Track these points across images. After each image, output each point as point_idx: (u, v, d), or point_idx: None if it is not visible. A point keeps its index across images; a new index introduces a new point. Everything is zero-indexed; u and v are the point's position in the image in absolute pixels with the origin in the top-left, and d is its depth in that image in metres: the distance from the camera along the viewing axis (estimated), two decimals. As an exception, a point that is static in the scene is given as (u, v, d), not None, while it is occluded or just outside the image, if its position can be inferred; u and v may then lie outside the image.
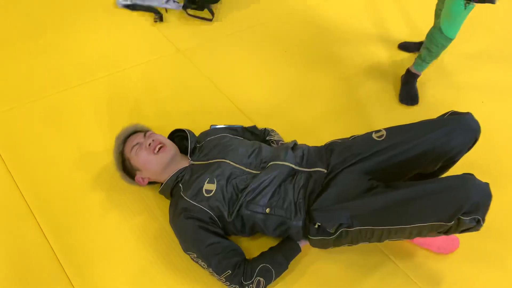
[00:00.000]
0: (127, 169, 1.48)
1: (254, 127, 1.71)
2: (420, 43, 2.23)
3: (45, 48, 2.10)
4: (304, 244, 1.40)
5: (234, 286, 1.29)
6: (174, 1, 2.40)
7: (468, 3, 1.65)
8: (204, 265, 1.31)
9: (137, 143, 1.44)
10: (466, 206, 1.11)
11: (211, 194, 1.34)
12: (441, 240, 1.43)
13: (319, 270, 1.41)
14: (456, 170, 1.36)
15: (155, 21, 2.29)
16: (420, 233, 1.21)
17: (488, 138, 1.82)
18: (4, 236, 1.43)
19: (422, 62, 1.94)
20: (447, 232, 1.19)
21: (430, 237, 1.27)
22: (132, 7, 2.36)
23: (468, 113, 1.37)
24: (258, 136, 1.67)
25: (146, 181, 1.49)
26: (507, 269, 1.46)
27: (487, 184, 1.16)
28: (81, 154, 1.67)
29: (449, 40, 1.82)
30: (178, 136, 1.59)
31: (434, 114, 1.46)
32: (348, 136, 1.50)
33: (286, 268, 1.35)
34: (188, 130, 1.55)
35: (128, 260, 1.40)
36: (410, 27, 2.42)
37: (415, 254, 1.46)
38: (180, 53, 2.15)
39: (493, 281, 1.42)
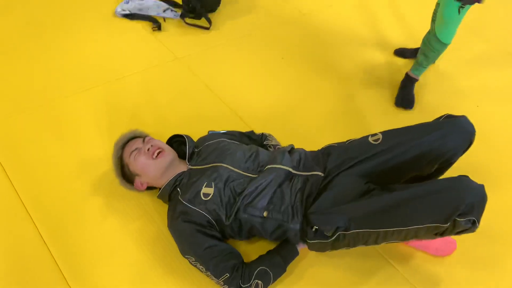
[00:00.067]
0: (126, 175, 1.49)
1: (252, 132, 1.72)
2: (416, 49, 2.25)
3: (45, 56, 2.13)
4: (302, 247, 1.41)
5: (232, 289, 1.29)
6: (172, 10, 2.43)
7: (462, 7, 1.67)
8: (202, 268, 1.32)
9: (135, 149, 1.46)
10: (461, 208, 1.13)
11: (208, 197, 1.35)
12: (438, 242, 1.44)
13: (317, 273, 1.41)
14: (452, 172, 1.37)
15: (154, 30, 2.32)
16: (416, 235, 1.22)
17: (484, 141, 1.85)
18: (3, 241, 1.43)
19: (419, 66, 1.96)
20: (443, 233, 1.19)
21: (427, 239, 1.28)
22: (131, 16, 2.39)
23: (463, 116, 1.39)
24: (256, 141, 1.69)
25: (145, 186, 1.50)
26: (504, 271, 1.46)
27: (482, 186, 1.18)
28: (80, 161, 1.68)
29: (444, 45, 1.84)
30: (177, 142, 1.60)
31: (429, 118, 1.47)
32: (345, 140, 1.52)
33: (284, 271, 1.36)
34: (186, 136, 1.57)
35: (126, 264, 1.40)
36: (406, 33, 2.45)
37: (413, 257, 1.47)
38: (179, 60, 2.17)
39: (490, 283, 1.43)
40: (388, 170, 1.39)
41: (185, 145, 1.54)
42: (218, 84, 2.05)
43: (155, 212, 1.53)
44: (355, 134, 1.54)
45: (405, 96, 2.00)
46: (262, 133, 1.73)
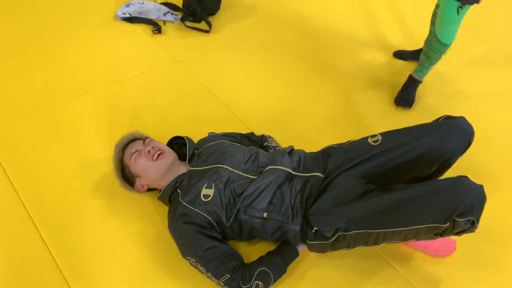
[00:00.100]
0: (127, 176, 1.50)
1: (252, 133, 1.73)
2: (415, 51, 2.27)
3: (45, 60, 2.14)
4: (302, 248, 1.41)
5: (232, 290, 1.29)
6: (172, 14, 2.45)
7: (461, 7, 1.68)
8: (203, 269, 1.32)
9: (136, 150, 1.46)
10: (460, 208, 1.13)
11: (209, 199, 1.36)
12: (438, 243, 1.44)
13: (317, 274, 1.42)
14: (451, 173, 1.37)
15: (154, 33, 2.34)
16: (416, 235, 1.22)
17: (483, 142, 1.86)
18: (3, 242, 1.44)
19: (422, 67, 1.97)
20: (442, 234, 1.20)
21: (426, 239, 1.28)
22: (131, 19, 2.40)
23: (461, 117, 1.40)
24: (256, 142, 1.69)
25: (145, 187, 1.50)
26: (504, 271, 1.46)
27: (481, 186, 1.18)
28: (81, 163, 1.68)
29: (445, 46, 1.84)
30: (177, 143, 1.61)
31: (429, 119, 1.48)
32: (344, 141, 1.52)
33: (285, 271, 1.36)
34: (186, 137, 1.57)
35: (127, 265, 1.40)
36: (405, 35, 2.46)
37: (413, 258, 1.47)
38: (179, 63, 2.18)
39: (490, 283, 1.43)
40: (387, 171, 1.40)
41: (186, 147, 1.54)
42: (218, 87, 2.06)
43: (156, 214, 1.53)
44: (355, 135, 1.54)
45: (405, 96, 2.01)
46: (262, 135, 1.74)
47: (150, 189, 1.54)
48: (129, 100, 1.97)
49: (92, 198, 1.57)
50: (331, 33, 2.46)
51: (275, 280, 1.33)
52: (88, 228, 1.49)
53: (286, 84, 2.12)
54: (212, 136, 1.64)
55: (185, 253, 1.36)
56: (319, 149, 1.54)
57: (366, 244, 1.30)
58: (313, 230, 1.32)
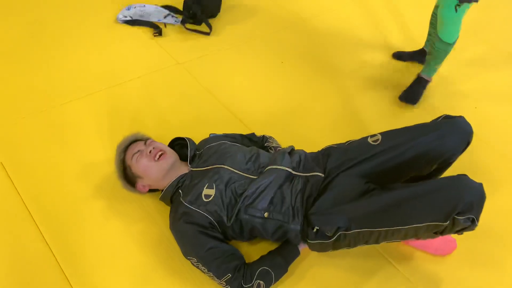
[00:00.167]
0: (128, 177, 1.51)
1: (253, 134, 1.74)
2: (414, 52, 2.28)
3: (46, 62, 2.15)
4: (303, 248, 1.42)
5: (234, 289, 1.30)
6: (172, 16, 2.46)
7: (459, 5, 1.69)
8: (204, 269, 1.33)
9: (137, 151, 1.47)
10: (460, 206, 1.14)
11: (210, 199, 1.37)
12: (438, 242, 1.45)
13: (318, 273, 1.42)
14: (451, 173, 1.37)
15: (155, 36, 2.35)
16: (416, 234, 1.23)
17: (482, 141, 1.87)
18: (6, 243, 1.45)
19: (428, 67, 1.99)
20: (442, 232, 1.21)
21: (427, 238, 1.29)
22: (132, 22, 2.42)
23: (460, 116, 1.41)
24: (257, 143, 1.70)
25: (147, 188, 1.51)
26: (503, 270, 1.47)
27: (480, 184, 1.19)
28: (82, 164, 1.70)
29: (448, 44, 1.85)
30: (178, 144, 1.62)
31: (428, 119, 1.49)
32: (344, 141, 1.53)
33: (286, 271, 1.37)
34: (188, 138, 1.58)
35: (129, 265, 1.41)
36: (404, 36, 2.48)
37: (413, 257, 1.48)
38: (180, 65, 2.20)
39: (490, 282, 1.44)
40: (387, 170, 1.40)
41: (187, 148, 1.56)
42: (218, 88, 2.07)
43: (157, 214, 1.54)
44: (355, 135, 1.55)
45: (409, 93, 2.03)
46: (263, 135, 1.75)
47: (151, 190, 1.55)
48: (130, 102, 1.98)
49: (94, 199, 1.58)
50: (330, 34, 2.47)
51: (276, 279, 1.34)
52: (90, 229, 1.50)
53: (286, 85, 2.13)
54: (213, 137, 1.65)
55: (186, 253, 1.36)
56: (319, 148, 1.55)
57: (367, 243, 1.31)
58: (314, 230, 1.32)
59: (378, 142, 1.43)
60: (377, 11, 2.69)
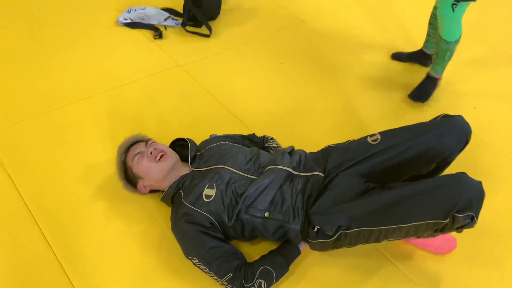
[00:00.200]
0: (129, 178, 1.52)
1: (253, 135, 1.75)
2: (413, 53, 2.29)
3: (47, 65, 2.17)
4: (303, 247, 1.42)
5: (235, 289, 1.31)
6: (172, 19, 2.48)
7: (455, 4, 1.72)
8: (205, 269, 1.33)
9: (139, 152, 1.48)
10: (460, 204, 1.15)
11: (210, 199, 1.37)
12: (439, 240, 1.46)
13: (319, 273, 1.43)
14: (450, 172, 1.38)
15: (155, 38, 2.37)
16: (417, 232, 1.24)
17: (482, 141, 1.88)
18: (8, 245, 1.45)
19: (436, 65, 2.00)
20: (443, 229, 1.21)
21: (427, 236, 1.29)
22: (132, 25, 2.43)
23: (459, 115, 1.42)
24: (257, 143, 1.71)
25: (148, 189, 1.52)
26: (504, 268, 1.47)
27: (479, 182, 1.20)
28: (84, 166, 1.70)
29: (450, 43, 1.87)
30: (179, 145, 1.63)
31: (427, 119, 1.50)
32: (344, 141, 1.54)
33: (287, 270, 1.37)
34: (188, 139, 1.59)
35: (130, 266, 1.42)
36: (403, 37, 2.49)
37: (414, 255, 1.48)
38: (180, 67, 2.21)
39: (491, 280, 1.44)
40: (387, 169, 1.41)
41: (188, 149, 1.56)
42: (218, 90, 2.08)
43: (159, 215, 1.55)
44: (354, 135, 1.56)
45: (418, 91, 2.05)
46: (264, 136, 1.76)
47: (152, 191, 1.56)
48: (131, 103, 1.99)
49: (95, 200, 1.59)
50: (329, 35, 2.48)
51: (277, 278, 1.34)
52: (92, 229, 1.51)
53: (286, 85, 2.15)
54: (214, 138, 1.66)
55: (188, 253, 1.37)
56: (319, 149, 1.56)
57: (367, 241, 1.32)
58: (315, 229, 1.33)
59: (377, 141, 1.44)
60: (376, 12, 2.70)
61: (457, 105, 2.08)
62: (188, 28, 2.44)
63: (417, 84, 2.07)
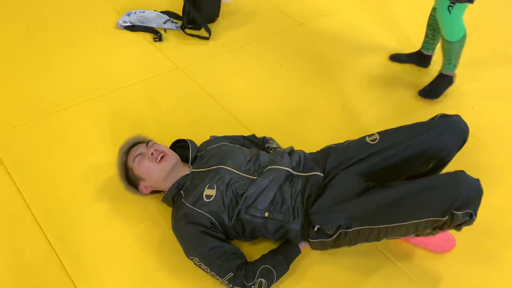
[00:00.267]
0: (130, 179, 1.53)
1: (253, 136, 1.76)
2: (411, 54, 2.31)
3: (48, 68, 2.18)
4: (304, 246, 1.43)
5: (236, 288, 1.31)
6: (172, 22, 2.49)
7: (451, 6, 1.75)
8: (206, 269, 1.34)
9: (139, 153, 1.49)
10: (458, 201, 1.16)
11: (211, 199, 1.38)
12: (438, 239, 1.46)
13: (319, 272, 1.43)
14: (448, 171, 1.40)
15: (155, 41, 2.38)
16: (416, 230, 1.25)
17: (480, 141, 1.89)
18: (11, 247, 1.46)
19: (444, 64, 2.03)
20: (442, 227, 1.22)
21: (427, 234, 1.30)
22: (132, 28, 2.45)
23: (456, 115, 1.44)
24: (257, 144, 1.72)
25: (149, 189, 1.53)
26: (503, 267, 1.48)
27: (477, 180, 1.21)
28: (85, 167, 1.71)
29: (453, 43, 1.91)
30: (180, 146, 1.64)
31: (425, 119, 1.51)
32: (343, 141, 1.55)
33: (287, 269, 1.38)
34: (189, 140, 1.60)
35: (132, 266, 1.43)
36: (401, 38, 2.51)
37: (414, 254, 1.49)
38: (180, 69, 2.22)
39: (490, 278, 1.45)
40: (385, 168, 1.43)
41: (188, 150, 1.57)
42: (218, 91, 2.10)
43: (159, 215, 1.56)
44: (353, 135, 1.58)
45: (431, 88, 2.08)
46: (263, 137, 1.77)
47: (153, 192, 1.56)
48: (131, 106, 2.00)
49: (97, 201, 1.60)
50: (328, 37, 2.50)
51: (278, 277, 1.35)
52: (94, 230, 1.51)
53: (285, 87, 2.16)
54: (214, 139, 1.67)
55: (189, 253, 1.38)
56: (319, 149, 1.57)
57: (367, 240, 1.33)
58: (315, 229, 1.34)
59: (376, 141, 1.45)
60: (374, 14, 2.72)
61: (455, 105, 2.09)
62: (188, 30, 2.45)
63: (418, 84, 2.10)
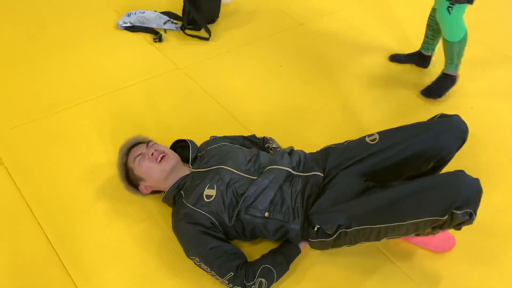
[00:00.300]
0: (131, 179, 1.53)
1: (254, 136, 1.76)
2: (410, 55, 2.31)
3: (48, 68, 2.18)
4: (304, 246, 1.43)
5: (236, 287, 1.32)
6: (172, 22, 2.50)
7: (451, 7, 1.76)
8: (207, 268, 1.34)
9: (140, 153, 1.49)
10: (458, 201, 1.16)
11: (211, 199, 1.39)
12: (438, 239, 1.47)
13: (319, 272, 1.44)
14: (448, 171, 1.40)
15: (155, 41, 2.38)
16: (416, 229, 1.25)
17: (480, 141, 1.89)
18: (12, 247, 1.46)
19: (447, 63, 2.04)
20: (442, 226, 1.22)
21: (427, 234, 1.30)
22: (132, 28, 2.45)
23: (456, 115, 1.44)
24: (257, 144, 1.72)
25: (149, 189, 1.53)
26: (502, 266, 1.49)
27: (477, 179, 1.21)
28: (85, 168, 1.72)
29: (453, 43, 1.92)
30: (180, 146, 1.64)
31: (424, 119, 1.51)
32: (343, 141, 1.56)
33: (287, 269, 1.38)
34: (189, 140, 1.60)
35: (132, 266, 1.43)
36: (401, 39, 2.51)
37: (414, 254, 1.49)
38: (180, 70, 2.23)
39: (490, 277, 1.45)
40: (385, 168, 1.43)
41: (188, 150, 1.57)
42: (218, 92, 2.10)
43: (159, 215, 1.56)
44: (353, 135, 1.58)
45: (433, 88, 2.09)
46: (264, 137, 1.77)
47: (153, 192, 1.57)
48: (132, 106, 2.01)
49: (97, 201, 1.60)
50: (327, 37, 2.50)
51: (278, 277, 1.35)
52: (94, 230, 1.52)
53: (285, 87, 2.16)
54: (214, 139, 1.67)
55: (189, 252, 1.38)
56: (319, 149, 1.57)
57: (367, 240, 1.33)
58: (315, 229, 1.34)
59: (375, 141, 1.45)
60: (374, 13, 2.72)
61: (455, 106, 2.09)
62: (188, 31, 2.46)
63: (419, 84, 2.11)
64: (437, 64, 2.23)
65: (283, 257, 1.38)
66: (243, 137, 1.73)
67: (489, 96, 2.17)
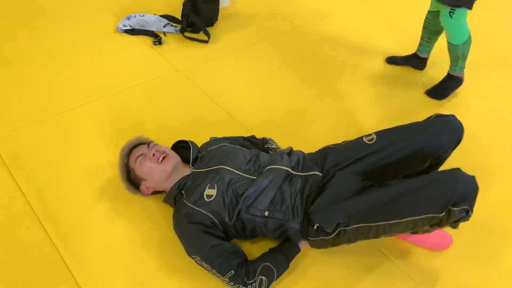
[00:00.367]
0: (132, 180, 1.54)
1: (253, 136, 1.78)
2: (407, 57, 2.34)
3: (49, 71, 2.20)
4: (303, 245, 1.45)
5: (237, 286, 1.33)
6: (171, 25, 2.52)
7: (452, 11, 1.79)
8: (207, 267, 1.36)
9: (141, 154, 1.51)
10: (455, 198, 1.18)
11: (211, 199, 1.40)
12: (434, 237, 1.49)
13: (319, 270, 1.45)
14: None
15: (155, 44, 2.41)
16: (414, 226, 1.27)
17: (475, 140, 1.92)
18: (15, 247, 1.48)
19: (451, 65, 2.07)
20: (439, 223, 1.24)
21: (424, 232, 1.32)
22: (132, 31, 2.47)
23: (451, 115, 1.46)
24: (257, 144, 1.74)
25: (150, 190, 1.55)
26: (498, 263, 1.51)
27: (473, 177, 1.24)
28: (87, 168, 1.73)
29: (456, 46, 1.96)
30: (181, 147, 1.66)
31: (421, 119, 1.54)
32: (341, 141, 1.58)
33: (287, 267, 1.39)
34: (190, 141, 1.62)
35: (134, 265, 1.44)
36: (397, 41, 2.54)
37: (412, 253, 1.51)
38: (179, 72, 2.25)
39: (486, 274, 1.47)
40: (383, 168, 1.45)
41: (189, 150, 1.59)
42: (217, 93, 2.12)
43: (160, 215, 1.58)
44: (351, 136, 1.60)
45: (437, 89, 2.12)
46: (263, 138, 1.79)
47: (154, 192, 1.58)
48: (132, 108, 2.03)
49: (98, 202, 1.61)
50: (325, 40, 2.53)
51: (278, 275, 1.37)
52: (96, 231, 1.53)
53: (283, 89, 2.19)
54: (215, 140, 1.69)
55: (190, 252, 1.39)
56: (317, 149, 1.59)
57: (366, 238, 1.34)
58: (315, 227, 1.36)
59: (373, 141, 1.47)
60: (373, 16, 2.75)
61: (451, 107, 2.12)
62: (187, 34, 2.48)
63: (417, 85, 2.13)
64: (434, 66, 2.26)
65: (283, 255, 1.40)
66: (243, 137, 1.75)
67: (488, 96, 2.20)
